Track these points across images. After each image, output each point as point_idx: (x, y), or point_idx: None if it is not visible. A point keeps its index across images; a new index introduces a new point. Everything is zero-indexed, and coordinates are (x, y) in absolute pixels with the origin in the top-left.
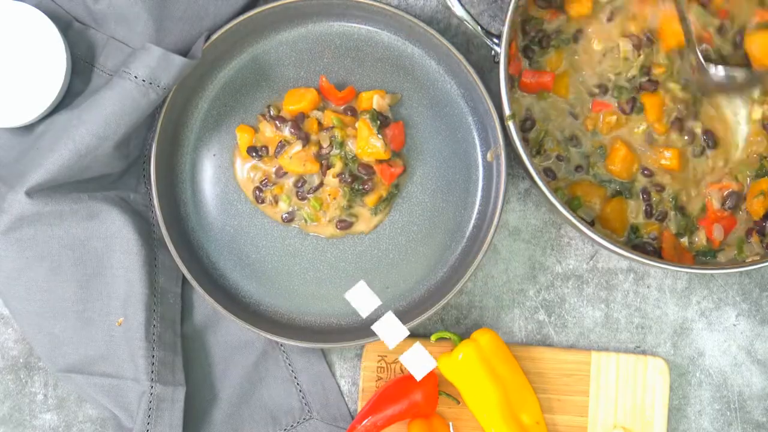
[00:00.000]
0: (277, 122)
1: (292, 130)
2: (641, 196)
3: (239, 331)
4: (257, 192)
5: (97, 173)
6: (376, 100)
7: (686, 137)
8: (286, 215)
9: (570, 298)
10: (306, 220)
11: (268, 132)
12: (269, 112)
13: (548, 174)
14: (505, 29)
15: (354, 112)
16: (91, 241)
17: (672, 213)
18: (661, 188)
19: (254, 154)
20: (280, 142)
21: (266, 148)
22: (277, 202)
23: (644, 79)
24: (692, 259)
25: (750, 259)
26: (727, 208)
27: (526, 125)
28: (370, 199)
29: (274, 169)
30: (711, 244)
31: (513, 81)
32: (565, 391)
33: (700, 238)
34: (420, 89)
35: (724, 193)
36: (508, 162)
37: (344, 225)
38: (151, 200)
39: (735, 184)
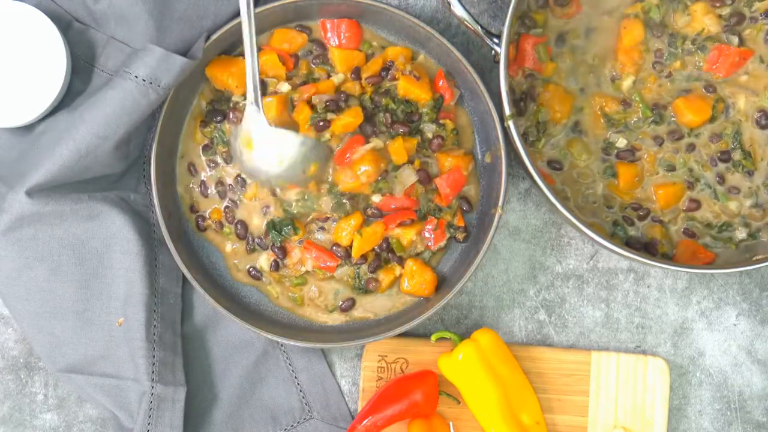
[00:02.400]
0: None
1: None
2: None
3: (239, 331)
4: (199, 221)
5: (97, 173)
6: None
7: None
8: (253, 271)
9: (570, 298)
10: (291, 299)
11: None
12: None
13: (553, 166)
14: (505, 29)
15: (358, 75)
16: (91, 241)
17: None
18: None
19: (217, 118)
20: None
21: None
22: (222, 227)
23: None
24: (712, 258)
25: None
26: None
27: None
28: (383, 278)
29: (206, 174)
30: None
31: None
32: (565, 391)
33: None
34: None
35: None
36: (508, 162)
37: (347, 305)
38: (151, 200)
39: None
